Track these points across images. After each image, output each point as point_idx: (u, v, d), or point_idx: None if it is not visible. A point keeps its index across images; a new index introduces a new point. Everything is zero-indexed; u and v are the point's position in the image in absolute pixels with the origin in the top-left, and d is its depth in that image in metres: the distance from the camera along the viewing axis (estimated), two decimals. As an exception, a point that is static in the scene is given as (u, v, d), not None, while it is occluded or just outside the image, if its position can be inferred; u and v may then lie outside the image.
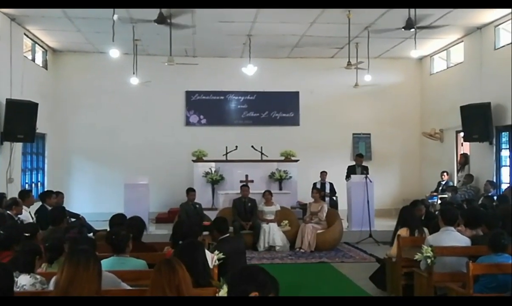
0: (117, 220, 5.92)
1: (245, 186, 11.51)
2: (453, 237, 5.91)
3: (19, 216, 8.02)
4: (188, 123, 15.38)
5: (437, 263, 5.67)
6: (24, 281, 3.82)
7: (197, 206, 11.18)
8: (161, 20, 9.69)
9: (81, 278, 3.08)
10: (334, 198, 13.10)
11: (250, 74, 13.61)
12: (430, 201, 12.30)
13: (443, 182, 13.35)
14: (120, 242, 4.64)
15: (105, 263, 4.54)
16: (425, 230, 6.81)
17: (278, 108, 15.55)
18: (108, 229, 6.03)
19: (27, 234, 5.13)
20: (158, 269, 3.18)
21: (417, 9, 9.90)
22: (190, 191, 11.31)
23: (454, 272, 5.74)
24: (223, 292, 3.88)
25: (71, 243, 4.37)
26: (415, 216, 7.06)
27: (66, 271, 3.07)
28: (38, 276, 3.92)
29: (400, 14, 10.56)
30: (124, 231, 4.88)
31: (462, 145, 13.75)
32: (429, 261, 5.64)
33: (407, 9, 9.93)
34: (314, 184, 12.68)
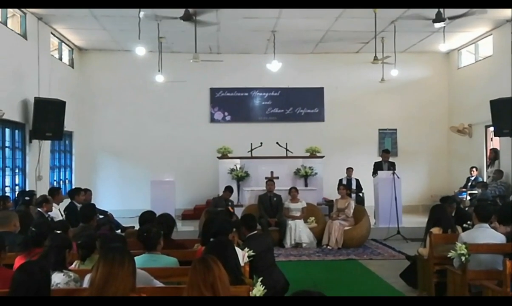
0: (147, 217, 5.91)
1: (270, 180, 11.48)
2: (488, 234, 5.78)
3: (49, 213, 8.10)
4: (212, 120, 15.40)
5: (471, 260, 5.56)
6: (57, 279, 3.83)
7: (229, 203, 11.22)
8: (186, 17, 9.69)
9: (117, 276, 3.07)
10: (361, 194, 12.97)
11: (275, 70, 13.54)
12: (459, 197, 12.09)
13: (472, 178, 13.12)
14: (151, 239, 4.63)
15: (137, 261, 4.50)
16: (458, 227, 6.67)
17: (302, 104, 15.46)
18: (137, 226, 6.05)
19: (58, 231, 5.15)
20: (194, 267, 3.16)
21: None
22: (228, 189, 11.47)
23: (489, 270, 5.63)
24: (256, 290, 3.87)
25: (102, 240, 4.36)
26: (447, 214, 6.90)
27: (101, 269, 3.06)
28: (71, 274, 3.93)
29: (426, 8, 10.37)
30: (156, 228, 4.87)
31: (491, 140, 13.48)
32: (463, 258, 5.53)
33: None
34: (340, 180, 12.58)
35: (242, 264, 4.77)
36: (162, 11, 10.78)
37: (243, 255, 5.00)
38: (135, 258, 4.54)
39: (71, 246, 4.18)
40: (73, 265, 4.57)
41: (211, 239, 4.74)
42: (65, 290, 3.74)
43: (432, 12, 9.97)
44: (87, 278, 3.73)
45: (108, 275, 3.05)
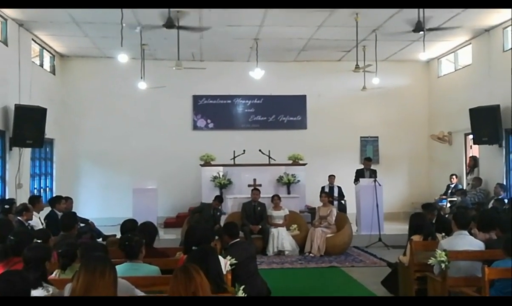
0: (128, 225, 5.88)
1: (255, 189, 11.49)
2: (467, 241, 5.85)
3: (29, 222, 8.00)
4: (195, 127, 15.38)
5: (451, 267, 5.62)
6: (36, 295, 3.75)
7: (218, 213, 11.22)
8: (170, 24, 9.67)
9: (98, 286, 3.05)
10: (343, 201, 13.05)
11: (257, 78, 13.59)
12: (439, 204, 12.23)
13: (452, 185, 13.28)
14: (133, 248, 4.60)
15: (118, 269, 4.46)
16: (438, 235, 6.74)
17: (285, 111, 15.54)
18: (118, 235, 6.00)
19: (38, 241, 5.09)
20: (175, 276, 3.15)
21: (425, 11, 9.84)
22: (218, 198, 11.48)
23: (468, 277, 5.69)
24: (239, 298, 3.87)
25: (83, 249, 4.32)
26: (427, 222, 6.97)
27: (82, 278, 3.04)
28: (50, 289, 3.86)
29: (407, 17, 10.53)
30: (137, 236, 4.85)
31: (471, 147, 13.68)
32: (443, 265, 5.59)
33: (414, 12, 9.86)
34: (323, 188, 12.64)
35: (224, 272, 4.76)
36: (145, 18, 10.76)
37: (225, 263, 5.00)
38: (117, 267, 4.53)
39: (50, 257, 4.12)
40: (53, 275, 4.52)
41: (194, 248, 4.73)
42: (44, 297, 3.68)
43: (412, 22, 10.11)
44: (68, 287, 3.68)
45: (89, 284, 3.02)
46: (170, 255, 5.60)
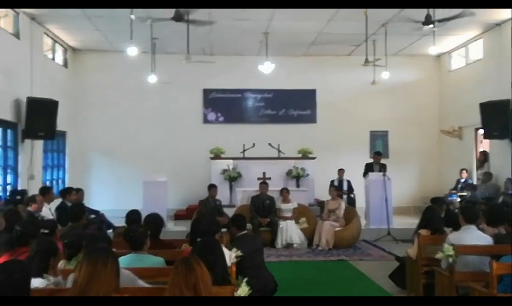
0: (133, 216, 5.92)
1: (263, 183, 11.50)
2: (475, 235, 5.81)
3: (39, 212, 8.09)
4: (205, 121, 15.43)
5: (459, 262, 5.58)
6: (36, 284, 3.79)
7: (218, 202, 11.20)
8: (178, 18, 9.69)
9: (100, 276, 3.07)
10: (352, 195, 13.02)
11: (267, 72, 13.56)
12: (449, 199, 12.16)
13: (462, 180, 13.19)
14: (138, 239, 4.65)
15: (123, 260, 4.55)
16: (446, 229, 6.71)
17: (295, 105, 15.52)
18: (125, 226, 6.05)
19: (45, 231, 5.16)
20: (176, 268, 3.17)
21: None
22: (212, 187, 11.35)
23: (476, 271, 5.64)
24: (241, 290, 3.89)
25: (88, 240, 4.36)
26: (437, 216, 6.94)
27: (84, 269, 3.07)
28: (51, 278, 3.91)
29: (418, 10, 10.42)
30: (142, 228, 4.89)
31: (481, 142, 13.58)
32: (450, 259, 5.54)
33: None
34: (332, 181, 12.63)
35: (229, 264, 4.79)
36: (154, 11, 10.79)
37: (230, 256, 5.03)
38: (121, 258, 4.58)
39: (56, 252, 4.16)
40: (59, 265, 4.58)
41: (198, 239, 4.77)
42: (46, 290, 3.72)
43: (421, 15, 10.01)
44: (71, 277, 3.73)
45: (91, 274, 3.05)
46: (176, 247, 5.64)
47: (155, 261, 4.68)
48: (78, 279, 3.11)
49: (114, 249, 5.06)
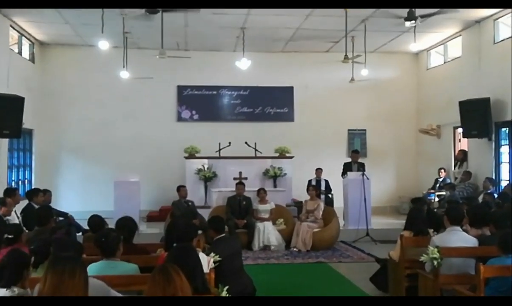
0: (95, 222, 5.57)
1: (240, 183, 11.20)
2: (460, 237, 5.64)
3: (8, 217, 7.62)
4: (180, 118, 15.04)
5: (443, 264, 5.41)
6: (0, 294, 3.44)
7: (190, 203, 10.85)
8: (152, 10, 9.31)
9: (67, 287, 2.77)
10: (330, 195, 12.82)
11: (244, 68, 13.29)
12: (428, 198, 12.08)
13: (441, 179, 13.13)
14: (110, 244, 4.31)
15: (94, 268, 4.23)
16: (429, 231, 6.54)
17: (272, 103, 15.25)
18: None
19: (10, 236, 4.77)
20: (153, 278, 2.88)
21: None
22: (181, 187, 11.00)
23: (461, 274, 5.51)
24: (222, 299, 3.60)
25: (56, 246, 3.99)
26: (421, 217, 6.75)
27: (50, 280, 2.76)
28: (15, 289, 3.54)
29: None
30: (115, 232, 4.55)
31: (460, 141, 13.55)
32: (435, 262, 5.37)
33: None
34: (309, 181, 12.41)
35: (207, 270, 4.49)
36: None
37: (208, 261, 4.73)
38: (92, 265, 4.24)
39: (28, 265, 3.76)
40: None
41: (174, 245, 4.45)
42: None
43: (403, 11, 9.87)
44: (37, 288, 3.38)
45: (57, 286, 2.75)
46: (151, 252, 5.32)
47: (128, 268, 4.35)
48: (44, 290, 2.79)
49: (84, 255, 4.74)
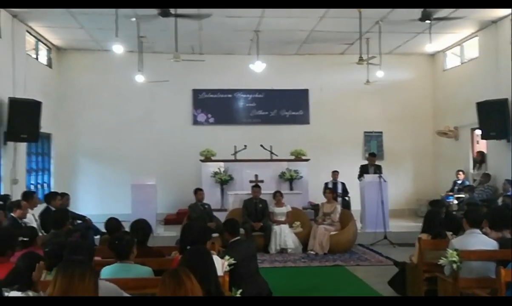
0: (112, 225, 5.56)
1: (256, 186, 11.15)
2: (480, 240, 5.52)
3: (23, 219, 7.69)
4: (195, 122, 15.06)
5: (463, 267, 5.30)
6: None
7: (206, 206, 10.82)
8: (164, 13, 9.32)
9: (76, 291, 2.75)
10: (347, 198, 12.72)
11: (258, 71, 13.25)
12: (446, 201, 11.89)
13: (459, 182, 12.93)
14: (123, 247, 4.30)
15: (107, 270, 4.22)
16: (447, 233, 6.43)
17: (287, 106, 15.20)
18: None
19: (25, 239, 4.79)
20: (163, 281, 2.84)
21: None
22: (198, 191, 10.98)
23: (481, 278, 5.38)
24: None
25: (68, 250, 3.97)
26: (438, 220, 6.62)
27: (59, 283, 2.74)
28: (30, 293, 3.53)
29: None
30: (129, 235, 4.53)
31: (478, 142, 13.34)
32: (454, 266, 5.27)
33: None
34: (326, 184, 12.32)
35: (221, 273, 4.45)
36: (141, 9, 10.42)
37: (222, 264, 4.69)
38: (106, 268, 4.24)
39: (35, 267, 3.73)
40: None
41: (188, 247, 4.42)
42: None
43: (417, 12, 9.75)
44: (48, 292, 3.37)
45: (67, 289, 2.72)
46: (165, 254, 5.30)
47: (142, 271, 4.33)
48: (53, 294, 2.77)
49: (99, 258, 4.74)
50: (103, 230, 9.32)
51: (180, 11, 10.15)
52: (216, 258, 4.54)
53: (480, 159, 12.71)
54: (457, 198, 12.21)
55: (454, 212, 10.58)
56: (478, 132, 12.66)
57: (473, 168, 13.09)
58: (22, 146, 11.60)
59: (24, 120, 10.63)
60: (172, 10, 9.85)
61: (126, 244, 4.30)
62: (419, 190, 14.88)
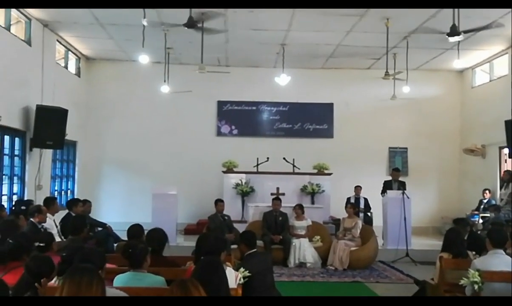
0: (134, 231, 5.56)
1: (276, 199, 11.09)
2: (503, 260, 5.35)
3: (42, 224, 7.80)
4: (219, 133, 15.11)
5: (485, 288, 5.14)
6: None
7: (226, 218, 10.79)
8: (190, 24, 9.38)
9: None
10: (369, 214, 12.57)
11: (283, 84, 13.24)
12: (471, 220, 11.63)
13: (485, 200, 12.65)
14: (137, 256, 4.29)
15: (121, 279, 4.22)
16: (469, 253, 6.26)
17: (311, 119, 15.13)
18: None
19: (41, 244, 4.83)
20: (171, 291, 2.82)
21: (460, 18, 9.33)
22: (219, 202, 10.96)
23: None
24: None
25: (78, 257, 3.97)
26: (459, 238, 6.46)
27: (66, 290, 2.74)
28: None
29: (441, 23, 10.01)
30: (143, 244, 4.53)
31: (506, 161, 13.04)
32: (476, 286, 5.11)
33: (448, 17, 9.34)
34: (348, 198, 12.20)
35: (234, 286, 4.41)
36: (168, 18, 10.53)
37: (236, 276, 4.65)
38: (118, 276, 4.23)
39: (49, 274, 3.74)
40: (52, 281, 4.25)
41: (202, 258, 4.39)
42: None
43: (445, 27, 9.59)
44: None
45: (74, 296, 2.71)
46: (181, 265, 5.27)
47: (155, 280, 4.31)
48: None
49: (114, 266, 4.75)
50: (124, 238, 9.47)
51: (206, 25, 10.22)
52: (229, 270, 4.50)
53: (507, 178, 12.39)
54: (483, 218, 11.95)
55: (479, 232, 10.33)
56: (506, 150, 12.37)
57: (500, 188, 12.76)
58: (48, 153, 11.79)
59: (50, 127, 10.81)
60: (199, 23, 9.91)
61: (140, 253, 4.29)
62: (444, 208, 14.60)
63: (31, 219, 7.62)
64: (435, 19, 10.26)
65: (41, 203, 8.92)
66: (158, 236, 5.30)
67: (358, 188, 12.68)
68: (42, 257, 4.16)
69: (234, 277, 4.55)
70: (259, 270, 5.49)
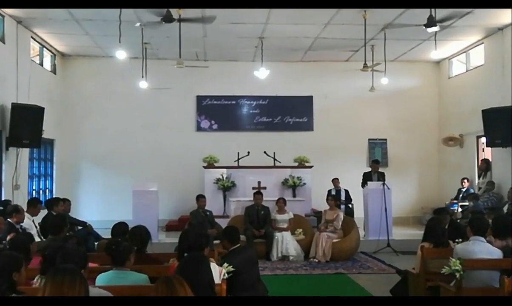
0: (119, 230, 5.50)
1: (258, 193, 11.07)
2: (485, 248, 5.41)
3: (21, 224, 7.67)
4: (199, 128, 15.02)
5: (465, 276, 5.20)
6: None
7: (208, 213, 10.74)
8: (168, 18, 9.29)
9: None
10: (350, 205, 12.63)
11: (263, 78, 13.22)
12: (451, 208, 11.78)
13: (464, 189, 12.83)
14: (120, 253, 4.23)
15: (103, 278, 4.16)
16: (450, 242, 6.33)
17: (291, 113, 15.14)
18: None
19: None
20: (156, 289, 2.78)
21: (436, 10, 9.42)
22: (200, 197, 10.89)
23: (484, 287, 5.28)
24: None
25: (60, 257, 3.89)
26: (441, 228, 6.52)
27: (49, 290, 2.68)
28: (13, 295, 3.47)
29: (418, 14, 10.09)
30: (126, 241, 4.47)
31: (483, 150, 13.23)
32: (457, 275, 5.17)
33: (425, 9, 9.45)
34: (329, 191, 12.24)
35: (218, 281, 4.38)
36: (145, 14, 10.40)
37: (220, 272, 4.62)
38: (101, 275, 4.17)
39: (18, 268, 3.64)
40: (34, 280, 4.18)
41: (185, 254, 4.36)
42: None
43: (423, 19, 9.67)
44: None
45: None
46: (163, 261, 5.23)
47: (138, 278, 4.25)
48: None
49: (95, 264, 4.68)
50: (104, 236, 9.37)
51: (183, 15, 10.10)
52: (213, 266, 4.47)
53: (485, 167, 12.59)
54: (462, 206, 12.12)
55: (458, 220, 10.47)
56: (484, 139, 12.55)
57: (479, 176, 12.96)
58: (25, 152, 11.58)
59: (26, 125, 10.62)
60: (175, 15, 9.79)
61: (123, 251, 4.23)
62: (423, 198, 14.77)
63: (9, 219, 7.48)
64: (412, 11, 10.31)
65: (19, 203, 8.79)
66: (141, 234, 5.24)
67: (335, 180, 12.69)
68: (6, 254, 4.04)
69: (218, 273, 4.51)
70: (244, 265, 5.46)
